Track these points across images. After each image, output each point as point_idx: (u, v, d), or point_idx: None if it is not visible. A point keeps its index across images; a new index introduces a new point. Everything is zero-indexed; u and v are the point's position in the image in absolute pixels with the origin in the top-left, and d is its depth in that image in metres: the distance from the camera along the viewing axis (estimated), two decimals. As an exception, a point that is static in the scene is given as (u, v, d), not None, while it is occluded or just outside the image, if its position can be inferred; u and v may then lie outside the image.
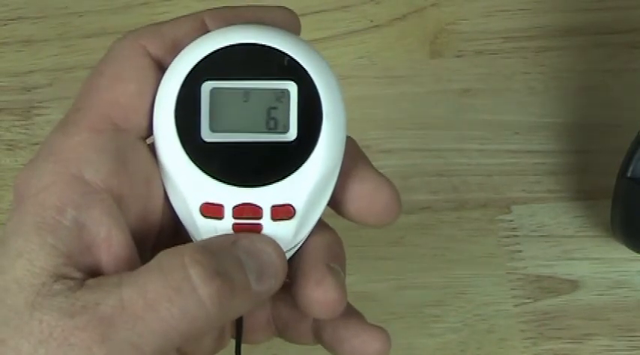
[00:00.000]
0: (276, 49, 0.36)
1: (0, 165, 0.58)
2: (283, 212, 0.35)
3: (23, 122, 0.59)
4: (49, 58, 0.61)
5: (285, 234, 0.36)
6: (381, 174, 0.37)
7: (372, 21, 0.62)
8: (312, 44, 0.37)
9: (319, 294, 0.36)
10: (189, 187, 0.35)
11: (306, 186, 0.35)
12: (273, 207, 0.35)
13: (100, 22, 0.61)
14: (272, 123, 0.36)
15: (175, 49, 0.36)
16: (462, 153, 0.58)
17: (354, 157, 0.37)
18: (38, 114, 0.59)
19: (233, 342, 0.39)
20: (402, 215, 0.56)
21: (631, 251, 0.54)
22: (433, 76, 0.60)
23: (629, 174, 0.50)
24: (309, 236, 0.37)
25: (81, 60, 0.60)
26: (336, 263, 0.37)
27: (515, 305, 0.54)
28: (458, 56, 0.61)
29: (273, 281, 0.35)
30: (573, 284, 0.55)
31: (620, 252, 0.55)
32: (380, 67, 0.61)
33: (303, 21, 0.61)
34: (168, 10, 0.61)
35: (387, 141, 0.58)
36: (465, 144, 0.58)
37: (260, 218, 0.35)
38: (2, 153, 0.59)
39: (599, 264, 0.55)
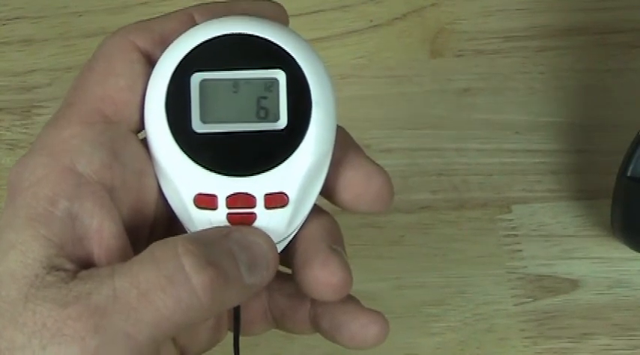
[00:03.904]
0: (264, 39, 0.36)
1: (0, 165, 0.58)
2: (277, 200, 0.36)
3: (23, 122, 0.59)
4: (49, 58, 0.61)
5: (280, 222, 0.36)
6: (373, 162, 0.38)
7: (371, 21, 0.62)
8: (300, 33, 0.37)
9: (326, 276, 0.36)
10: (182, 179, 0.35)
11: (298, 174, 0.36)
12: (267, 195, 0.35)
13: (99, 22, 0.61)
14: (262, 112, 0.36)
15: (164, 44, 0.36)
16: (462, 152, 0.58)
17: (345, 146, 0.37)
18: (38, 114, 0.59)
19: (230, 335, 0.39)
20: (402, 214, 0.56)
21: (631, 250, 0.54)
22: (433, 76, 0.60)
23: (629, 174, 0.50)
24: (305, 222, 0.37)
25: (81, 60, 0.60)
26: (337, 245, 0.37)
27: (515, 305, 0.54)
28: (458, 56, 0.61)
29: (265, 273, 0.35)
30: (573, 284, 0.55)
31: (621, 251, 0.55)
32: (380, 67, 0.61)
33: (302, 21, 0.62)
34: (167, 9, 0.61)
35: (387, 141, 0.58)
36: (465, 144, 0.58)
37: (254, 207, 0.35)
38: (2, 153, 0.59)
39: (599, 263, 0.55)
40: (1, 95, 0.60)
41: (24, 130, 0.59)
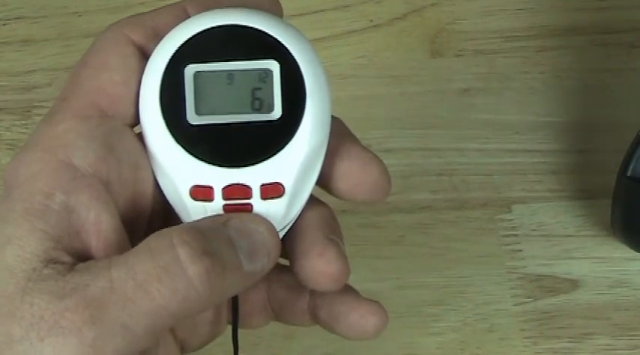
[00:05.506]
0: (257, 29, 0.36)
1: (0, 165, 0.58)
2: (272, 190, 0.36)
3: (23, 121, 0.59)
4: (49, 58, 0.61)
5: (276, 212, 0.36)
6: (369, 151, 0.38)
7: (371, 20, 0.62)
8: (295, 25, 0.37)
9: (322, 266, 0.36)
10: (178, 171, 0.36)
11: (293, 164, 0.36)
12: (262, 186, 0.35)
13: (99, 22, 0.61)
14: (257, 103, 0.36)
15: (158, 37, 0.36)
16: (462, 152, 0.58)
17: (341, 136, 0.37)
18: (38, 114, 0.59)
19: (230, 331, 0.39)
20: (402, 214, 0.56)
21: (631, 250, 0.54)
22: (433, 76, 0.60)
23: (629, 174, 0.50)
24: (301, 213, 0.37)
25: (81, 60, 0.60)
26: (334, 235, 0.37)
27: (515, 305, 0.54)
28: (458, 56, 0.61)
29: (266, 260, 0.35)
30: (573, 284, 0.55)
31: (621, 251, 0.55)
32: (380, 67, 0.61)
33: (303, 20, 0.62)
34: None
35: (387, 141, 0.58)
36: (465, 144, 0.58)
37: (250, 198, 0.35)
38: (2, 153, 0.59)
39: (600, 263, 0.55)
40: (1, 95, 0.60)
41: (24, 130, 0.59)
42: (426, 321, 0.54)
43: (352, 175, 0.37)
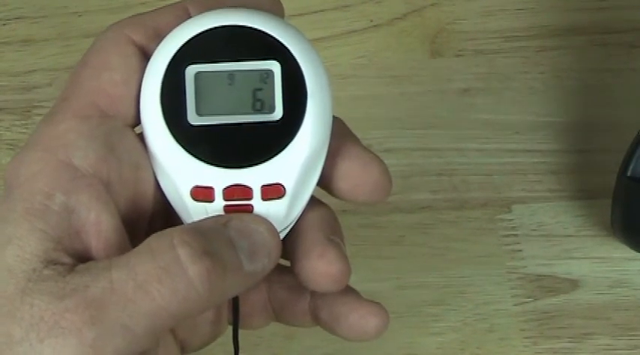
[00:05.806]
0: (258, 30, 0.36)
1: (0, 165, 0.58)
2: (273, 191, 0.36)
3: (23, 122, 0.59)
4: (49, 58, 0.61)
5: (277, 213, 0.36)
6: (370, 151, 0.38)
7: (371, 20, 0.62)
8: (295, 25, 0.37)
9: (323, 267, 0.36)
10: (179, 171, 0.36)
11: (294, 165, 0.36)
12: (263, 186, 0.35)
13: (99, 22, 0.61)
14: (258, 104, 0.36)
15: (160, 37, 0.36)
16: (462, 152, 0.58)
17: (342, 136, 0.37)
18: (38, 114, 0.59)
19: (230, 331, 0.39)
20: (402, 214, 0.56)
21: (631, 250, 0.54)
22: (433, 76, 0.60)
23: (629, 174, 0.50)
24: (302, 214, 0.37)
25: (81, 60, 0.60)
26: (335, 236, 0.37)
27: (515, 305, 0.54)
28: (458, 56, 0.61)
29: (267, 261, 0.35)
30: (573, 284, 0.55)
31: (621, 251, 0.55)
32: (380, 67, 0.61)
33: (303, 20, 0.62)
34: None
35: (387, 141, 0.58)
36: (465, 144, 0.58)
37: (250, 199, 0.36)
38: (3, 153, 0.59)
39: (600, 263, 0.55)
40: (1, 95, 0.60)
41: (24, 130, 0.59)
42: (426, 321, 0.54)
43: (353, 175, 0.37)
